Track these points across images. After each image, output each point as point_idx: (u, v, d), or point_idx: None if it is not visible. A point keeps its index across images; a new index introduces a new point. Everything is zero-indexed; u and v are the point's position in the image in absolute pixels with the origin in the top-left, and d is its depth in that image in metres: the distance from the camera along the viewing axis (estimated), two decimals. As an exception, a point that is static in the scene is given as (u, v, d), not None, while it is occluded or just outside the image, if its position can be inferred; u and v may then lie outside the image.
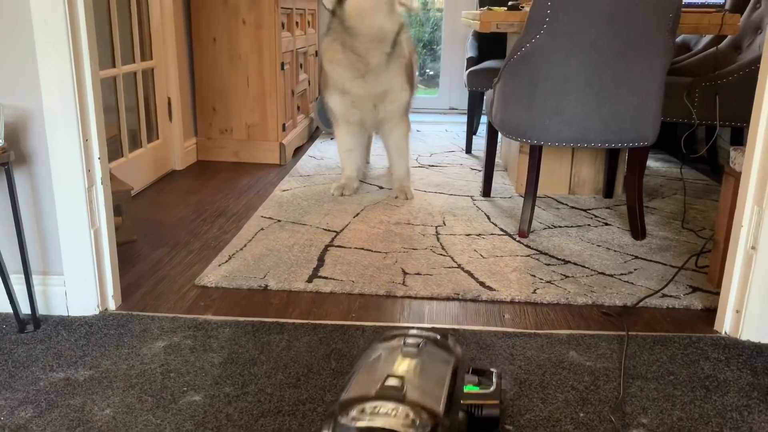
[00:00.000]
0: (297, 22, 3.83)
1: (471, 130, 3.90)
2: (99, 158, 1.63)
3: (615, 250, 2.28)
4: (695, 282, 2.01)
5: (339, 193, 2.86)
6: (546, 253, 2.24)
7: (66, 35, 1.50)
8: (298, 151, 3.76)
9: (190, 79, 3.38)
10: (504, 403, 1.24)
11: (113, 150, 2.70)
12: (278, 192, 2.90)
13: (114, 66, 2.65)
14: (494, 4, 3.84)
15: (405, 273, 2.03)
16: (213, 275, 1.98)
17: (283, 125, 3.49)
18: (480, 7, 4.10)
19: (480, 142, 4.04)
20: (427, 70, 6.21)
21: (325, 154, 3.70)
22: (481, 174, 3.04)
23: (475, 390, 1.20)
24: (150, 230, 2.39)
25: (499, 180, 3.17)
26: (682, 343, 1.64)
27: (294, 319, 1.72)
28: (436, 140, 4.21)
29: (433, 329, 1.14)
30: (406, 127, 2.89)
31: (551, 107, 2.25)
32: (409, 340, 1.04)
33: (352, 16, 2.57)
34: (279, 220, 2.51)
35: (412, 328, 1.12)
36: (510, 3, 2.92)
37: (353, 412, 0.88)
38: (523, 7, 2.64)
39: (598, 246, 2.32)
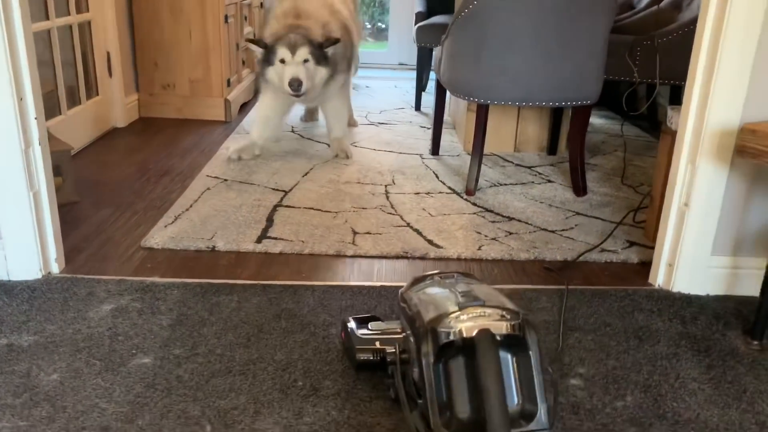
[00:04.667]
0: None
1: (420, 87, 3.90)
2: (36, 118, 1.57)
3: (557, 207, 2.35)
4: (633, 237, 2.10)
5: (236, 157, 2.70)
6: (491, 211, 2.29)
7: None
8: (245, 107, 3.69)
9: (130, 33, 3.25)
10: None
11: (51, 107, 2.59)
12: (224, 150, 2.85)
13: (47, 18, 2.52)
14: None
15: (355, 232, 2.05)
16: (159, 236, 1.95)
17: (228, 80, 3.41)
18: (428, -40, 4.06)
19: (429, 99, 4.03)
20: (378, 23, 6.14)
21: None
22: (430, 132, 3.06)
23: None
24: (92, 191, 2.33)
25: (447, 138, 3.19)
26: (618, 296, 1.72)
27: (243, 280, 1.73)
28: (386, 96, 4.19)
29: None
30: (345, 93, 2.90)
31: (498, 66, 2.27)
32: (443, 277, 1.13)
33: (270, 81, 2.63)
34: (225, 180, 2.49)
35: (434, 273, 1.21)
36: (458, -42, 2.89)
37: (446, 322, 0.94)
38: (470, -37, 2.62)
39: (541, 203, 2.38)
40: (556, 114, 2.89)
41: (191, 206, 2.21)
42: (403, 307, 1.12)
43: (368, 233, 2.05)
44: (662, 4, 3.27)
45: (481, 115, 2.41)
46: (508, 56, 2.25)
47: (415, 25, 3.71)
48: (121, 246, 1.91)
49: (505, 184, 2.57)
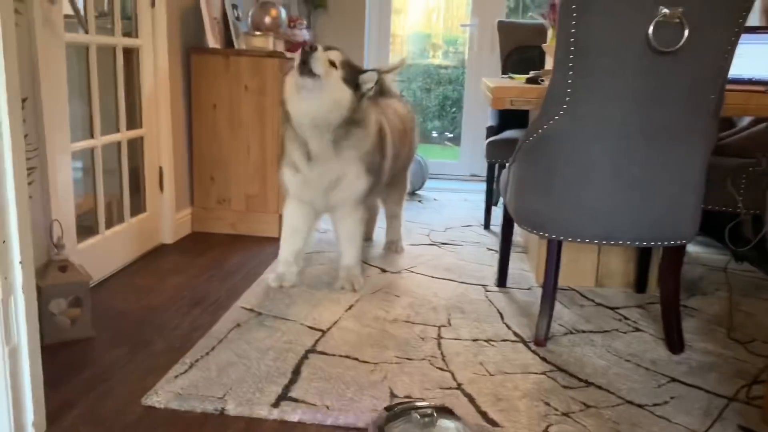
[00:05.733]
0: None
1: (490, 203, 3.60)
2: (21, 262, 1.36)
3: (647, 368, 1.92)
4: (747, 420, 1.64)
5: (278, 285, 2.47)
6: (565, 370, 1.89)
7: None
8: (303, 223, 3.49)
9: (188, 147, 3.17)
10: None
11: (88, 227, 2.46)
12: (268, 274, 2.61)
13: (92, 137, 2.43)
14: (519, 70, 3.59)
15: (393, 395, 1.71)
16: (164, 392, 1.68)
17: (285, 196, 3.23)
18: (503, 73, 3.86)
19: (501, 215, 3.73)
20: (454, 129, 5.99)
21: (329, 226, 3.42)
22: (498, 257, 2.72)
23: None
24: (112, 324, 2.11)
25: (517, 265, 2.84)
26: None
27: (245, 463, 1.41)
28: (454, 211, 3.91)
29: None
30: (359, 215, 2.53)
31: (572, 199, 1.94)
32: (423, 416, 1.11)
33: (285, 99, 2.30)
34: (260, 313, 2.22)
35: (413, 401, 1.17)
36: (531, 74, 2.65)
37: None
38: (543, 80, 2.36)
39: (627, 361, 1.96)
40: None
41: (213, 349, 1.94)
42: None
43: (408, 397, 1.70)
44: (769, 121, 2.87)
45: (553, 251, 2.06)
46: (584, 188, 1.92)
47: (486, 139, 3.46)
48: (119, 401, 1.64)
49: (584, 332, 2.17)
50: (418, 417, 1.08)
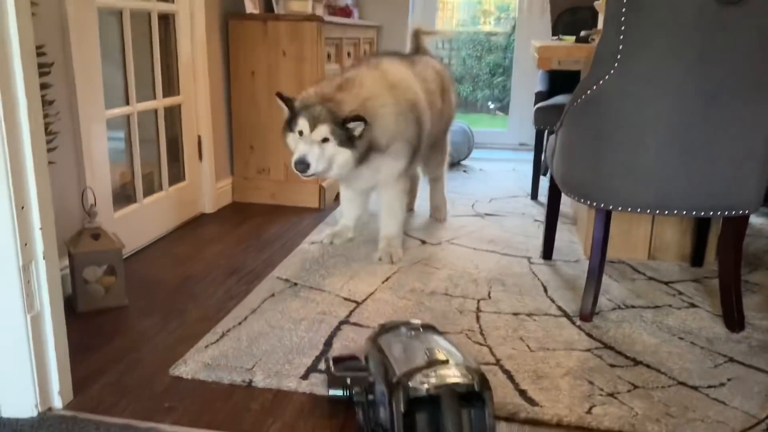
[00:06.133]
0: (349, 53, 3.53)
1: (538, 172, 3.45)
2: (41, 228, 1.34)
3: (702, 347, 1.79)
4: (814, 406, 1.50)
5: (329, 241, 2.59)
6: (612, 348, 1.78)
7: (-7, 82, 1.22)
8: (344, 193, 3.43)
9: (227, 115, 3.13)
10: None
11: (125, 196, 2.45)
12: (305, 245, 2.57)
13: (128, 104, 2.41)
14: (569, 31, 3.41)
15: (426, 370, 1.63)
16: (193, 362, 1.64)
17: (324, 166, 3.16)
18: (553, 35, 3.68)
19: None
20: (504, 98, 5.80)
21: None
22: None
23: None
24: (147, 293, 2.10)
25: (565, 237, 2.71)
26: None
27: (269, 437, 1.36)
28: (500, 182, 3.78)
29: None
30: (401, 186, 2.47)
31: (622, 165, 1.80)
32: (410, 329, 1.28)
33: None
34: (295, 284, 2.17)
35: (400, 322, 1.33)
36: (582, 33, 2.48)
37: (417, 377, 1.05)
38: (593, 39, 2.20)
39: (681, 339, 1.83)
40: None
41: (246, 319, 1.90)
42: (373, 353, 1.24)
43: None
44: None
45: (601, 222, 1.93)
46: (636, 153, 1.78)
47: (535, 105, 3.30)
48: (147, 371, 1.62)
49: (633, 307, 2.04)
50: (405, 330, 1.25)
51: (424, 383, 1.04)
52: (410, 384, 1.04)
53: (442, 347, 1.17)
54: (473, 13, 6.39)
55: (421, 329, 1.28)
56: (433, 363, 1.08)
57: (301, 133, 2.17)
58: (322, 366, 1.62)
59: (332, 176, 2.31)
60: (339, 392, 1.39)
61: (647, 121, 1.76)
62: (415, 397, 1.03)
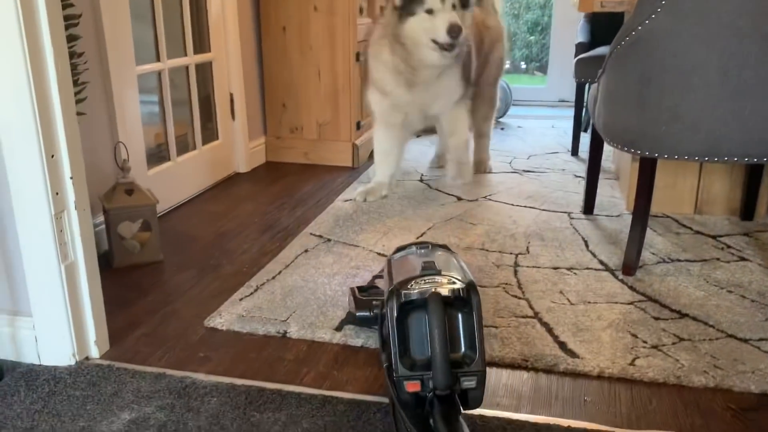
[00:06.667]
0: (381, 6, 3.43)
1: (579, 128, 3.34)
2: (71, 177, 1.33)
3: (753, 300, 1.71)
4: None
5: (362, 199, 2.53)
6: (656, 301, 1.71)
7: (17, 24, 1.20)
8: (378, 151, 3.38)
9: (259, 73, 3.09)
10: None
11: (159, 156, 2.45)
12: (339, 202, 2.53)
13: (158, 60, 2.38)
14: (611, -21, 3.25)
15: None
16: (228, 314, 1.64)
17: (358, 123, 3.12)
18: (594, -17, 3.51)
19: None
20: (542, 59, 5.63)
21: (407, 154, 3.29)
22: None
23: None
24: (182, 248, 2.10)
25: (607, 192, 2.62)
26: None
27: (303, 387, 1.35)
28: (539, 139, 3.67)
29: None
30: (464, 106, 2.59)
31: (669, 109, 1.71)
32: (420, 248, 1.34)
33: (407, 37, 2.29)
34: (329, 239, 2.15)
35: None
36: (626, -25, 2.36)
37: (409, 285, 1.14)
38: (638, -22, 2.08)
39: (729, 292, 1.75)
40: (755, 167, 2.22)
41: (279, 273, 1.89)
42: (385, 271, 1.31)
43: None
44: None
45: (646, 170, 1.84)
46: (683, 96, 1.68)
47: (575, 57, 3.18)
48: (183, 323, 1.62)
49: (679, 261, 1.96)
50: (415, 248, 1.33)
51: (414, 289, 1.13)
52: (402, 290, 1.13)
53: (440, 260, 1.24)
54: (513, -33, 6.18)
55: (430, 247, 1.35)
56: (426, 273, 1.17)
57: (429, 11, 2.23)
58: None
59: (461, 46, 2.31)
60: (366, 313, 1.45)
61: (696, 63, 1.66)
62: (406, 302, 1.12)
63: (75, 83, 1.55)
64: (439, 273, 1.16)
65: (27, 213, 1.30)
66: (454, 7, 2.23)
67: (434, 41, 2.24)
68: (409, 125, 2.59)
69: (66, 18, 1.56)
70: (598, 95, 1.97)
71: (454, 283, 1.13)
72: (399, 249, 1.39)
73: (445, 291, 1.11)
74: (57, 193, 1.31)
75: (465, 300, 1.12)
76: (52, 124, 1.28)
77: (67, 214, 1.34)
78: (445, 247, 1.38)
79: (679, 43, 1.66)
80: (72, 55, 1.67)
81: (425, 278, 1.16)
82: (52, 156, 1.29)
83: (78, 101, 1.57)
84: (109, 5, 2.02)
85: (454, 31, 2.18)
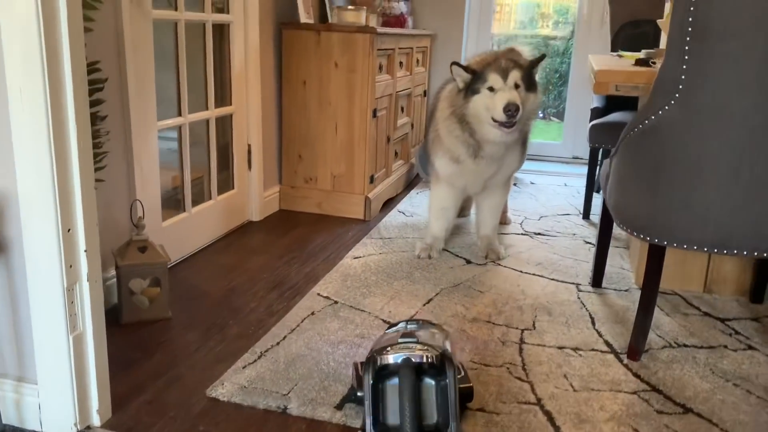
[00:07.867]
0: (401, 63, 3.50)
1: (591, 189, 3.35)
2: (86, 251, 1.35)
3: (759, 396, 1.69)
4: None
5: (426, 255, 2.61)
6: (660, 391, 1.70)
7: (44, 104, 1.24)
8: (391, 202, 3.42)
9: (277, 124, 3.14)
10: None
11: (174, 200, 2.49)
12: (348, 259, 2.55)
13: (180, 115, 2.44)
14: (630, 46, 3.30)
15: (465, 407, 1.59)
16: (230, 383, 1.65)
17: (371, 177, 3.15)
18: (612, 49, 3.56)
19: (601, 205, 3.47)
20: (560, 105, 5.66)
21: (416, 209, 3.31)
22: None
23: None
24: (190, 304, 2.12)
25: (617, 262, 2.62)
26: None
27: (300, 471, 1.35)
28: (551, 197, 3.69)
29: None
30: (507, 189, 2.72)
31: (680, 199, 1.72)
32: (411, 324, 1.40)
33: (470, 115, 2.36)
34: (336, 302, 2.16)
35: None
36: (642, 53, 2.39)
37: (385, 351, 1.19)
38: (654, 63, 2.11)
39: (735, 386, 1.74)
40: (766, 252, 2.21)
41: (285, 338, 1.90)
42: (375, 342, 1.36)
43: (481, 410, 1.57)
44: None
45: (655, 257, 1.84)
46: (695, 188, 1.69)
47: (590, 122, 3.20)
48: (185, 390, 1.63)
49: (686, 346, 1.95)
50: (403, 324, 1.40)
51: (390, 354, 1.19)
52: (377, 357, 1.19)
53: (422, 334, 1.30)
54: (531, 16, 6.26)
55: (419, 323, 1.42)
56: (403, 341, 1.23)
57: (492, 88, 2.29)
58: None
59: (520, 124, 2.34)
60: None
61: (709, 156, 1.67)
62: (380, 367, 1.17)
63: (96, 150, 1.58)
64: (416, 341, 1.23)
65: (40, 284, 1.33)
66: (517, 86, 2.28)
67: (493, 119, 2.29)
68: (467, 189, 2.64)
69: (92, 82, 1.61)
70: (610, 175, 1.99)
71: (427, 351, 1.19)
72: (389, 325, 1.47)
73: (417, 357, 1.18)
74: (71, 266, 1.34)
75: (439, 369, 1.17)
76: (71, 198, 1.32)
77: (79, 286, 1.36)
78: (438, 326, 1.44)
79: (690, 135, 1.67)
80: (95, 119, 1.72)
81: (401, 345, 1.23)
82: (69, 230, 1.32)
83: (97, 169, 1.61)
84: (135, 66, 2.08)
85: (509, 109, 2.22)
